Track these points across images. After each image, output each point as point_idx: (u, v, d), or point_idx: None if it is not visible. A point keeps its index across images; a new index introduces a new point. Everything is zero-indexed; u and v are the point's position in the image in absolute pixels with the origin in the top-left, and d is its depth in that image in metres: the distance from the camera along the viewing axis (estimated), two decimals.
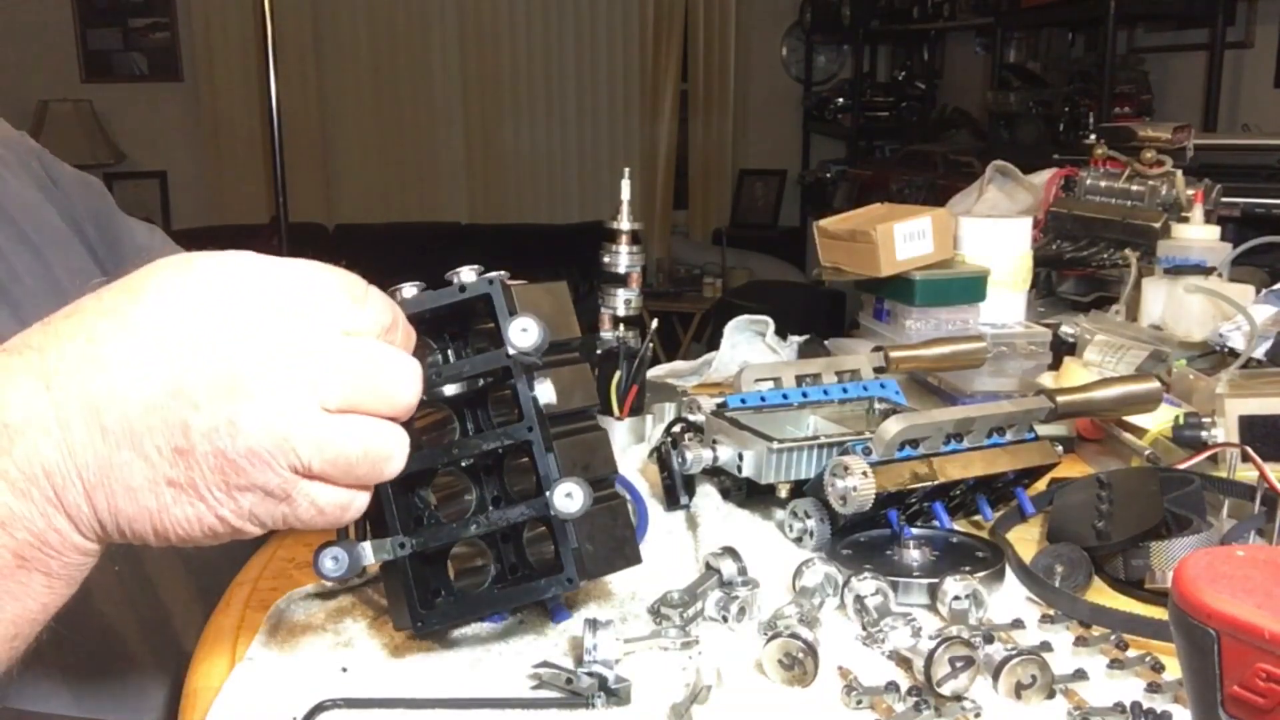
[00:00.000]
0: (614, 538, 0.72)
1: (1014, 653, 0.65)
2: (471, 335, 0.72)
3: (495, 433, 0.69)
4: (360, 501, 0.56)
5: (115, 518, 0.52)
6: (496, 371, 0.68)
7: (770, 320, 1.39)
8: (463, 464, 0.72)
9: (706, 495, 0.94)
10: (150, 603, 0.89)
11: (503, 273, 0.68)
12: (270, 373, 0.51)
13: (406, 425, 0.61)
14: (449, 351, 0.72)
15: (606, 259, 1.11)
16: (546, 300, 0.73)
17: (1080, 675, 0.66)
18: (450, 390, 0.71)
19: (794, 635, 0.66)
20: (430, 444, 0.70)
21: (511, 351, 0.65)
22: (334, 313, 0.54)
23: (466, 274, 0.67)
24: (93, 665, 0.81)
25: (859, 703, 0.64)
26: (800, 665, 0.66)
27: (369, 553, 0.65)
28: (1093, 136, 1.68)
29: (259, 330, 0.52)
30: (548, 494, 0.65)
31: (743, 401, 0.96)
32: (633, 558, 0.73)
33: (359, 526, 0.69)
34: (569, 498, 0.64)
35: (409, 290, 0.68)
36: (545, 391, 0.68)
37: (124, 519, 0.52)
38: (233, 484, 0.52)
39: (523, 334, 0.65)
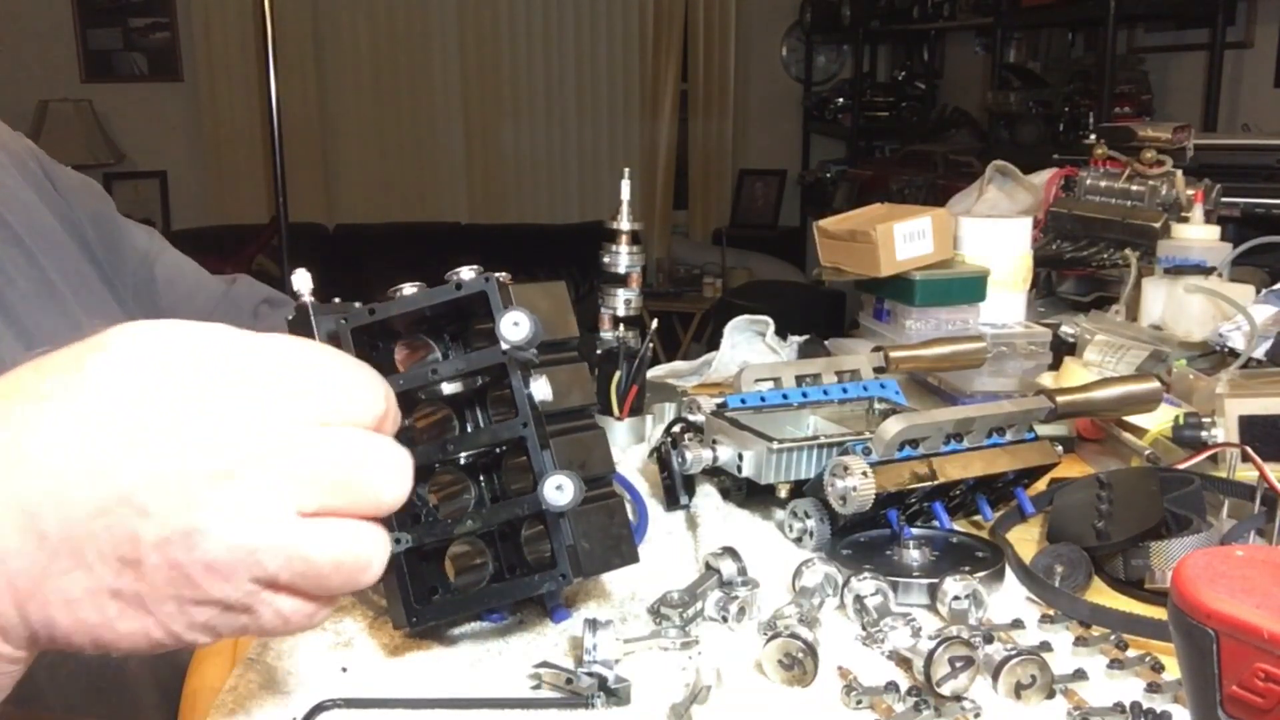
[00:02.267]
0: (611, 536, 0.72)
1: (1014, 653, 0.65)
2: (470, 335, 0.72)
3: (490, 428, 0.69)
4: (331, 607, 0.50)
5: (50, 629, 0.46)
6: (493, 369, 0.68)
7: (770, 320, 1.39)
8: (461, 462, 0.72)
9: (706, 495, 0.94)
10: None
11: (503, 274, 0.68)
12: (234, 473, 0.44)
13: (405, 424, 0.61)
14: (449, 352, 0.72)
15: (606, 259, 1.11)
16: (544, 299, 0.74)
17: (1080, 675, 0.66)
18: (449, 389, 0.71)
19: (794, 635, 0.66)
20: (429, 442, 0.70)
21: (505, 346, 0.65)
22: (314, 399, 0.47)
23: (465, 273, 0.67)
24: (91, 666, 0.81)
25: (859, 703, 0.64)
26: (800, 665, 0.66)
27: None
28: (1093, 136, 1.68)
29: (223, 420, 0.45)
30: (539, 484, 0.65)
31: (743, 401, 0.96)
32: (629, 557, 0.74)
33: None
34: (559, 490, 0.64)
35: (409, 290, 0.68)
36: (541, 388, 0.68)
37: (60, 631, 0.46)
38: (187, 598, 0.45)
39: (514, 328, 0.65)
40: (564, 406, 0.72)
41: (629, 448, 1.09)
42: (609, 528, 0.72)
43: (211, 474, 0.44)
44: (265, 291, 1.06)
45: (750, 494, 0.93)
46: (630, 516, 0.91)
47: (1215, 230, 1.42)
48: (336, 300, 0.73)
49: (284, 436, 0.46)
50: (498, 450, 0.72)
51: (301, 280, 0.70)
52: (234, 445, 0.45)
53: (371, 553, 0.48)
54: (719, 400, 0.96)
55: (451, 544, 0.71)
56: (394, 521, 0.68)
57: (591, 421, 0.77)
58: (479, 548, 0.72)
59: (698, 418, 0.95)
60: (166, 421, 0.45)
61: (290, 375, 0.47)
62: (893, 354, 1.06)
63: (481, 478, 0.73)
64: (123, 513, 0.44)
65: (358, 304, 0.70)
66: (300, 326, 0.69)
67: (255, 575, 0.45)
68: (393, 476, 0.49)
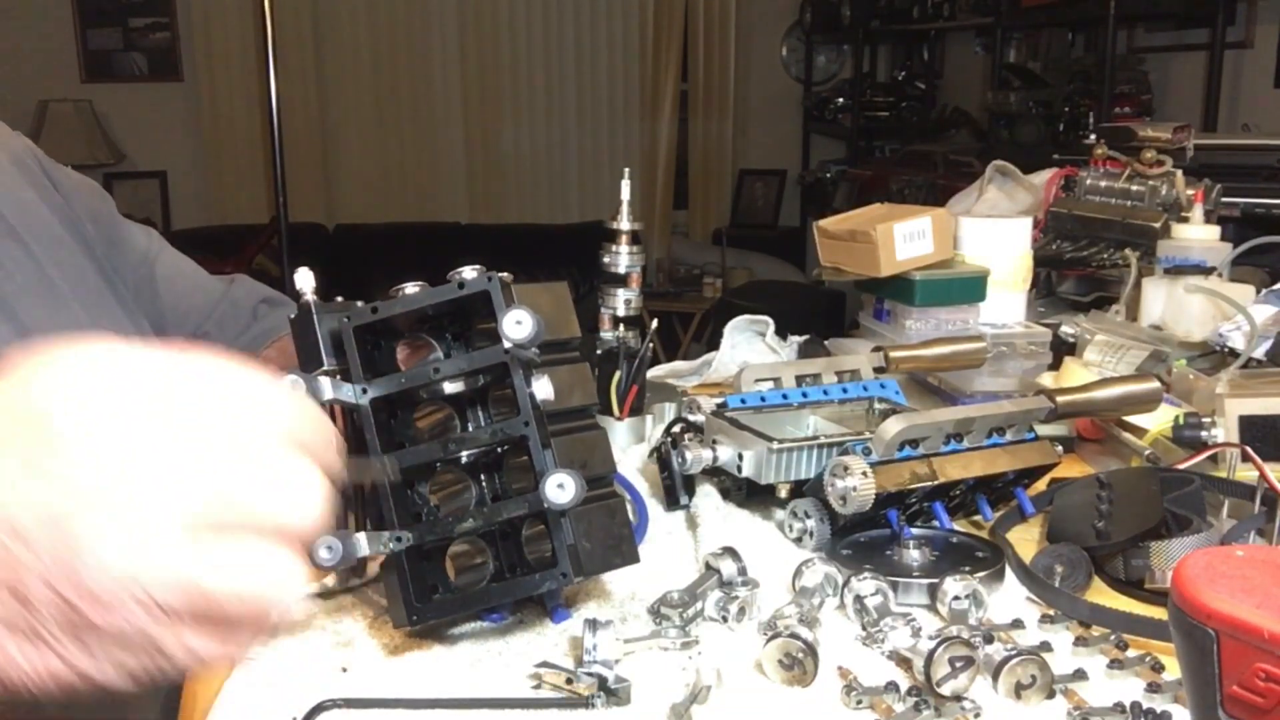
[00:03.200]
0: (611, 536, 0.72)
1: (1014, 653, 0.65)
2: (473, 335, 0.72)
3: (492, 427, 0.69)
4: (249, 643, 0.46)
5: None
6: (495, 368, 0.68)
7: (770, 320, 1.39)
8: (463, 462, 0.72)
9: (706, 495, 0.94)
10: None
11: (505, 274, 0.68)
12: (115, 492, 0.41)
13: (406, 423, 0.60)
14: (451, 352, 0.72)
15: (606, 259, 1.11)
16: (546, 299, 0.74)
17: (1080, 675, 0.66)
18: (450, 388, 0.71)
19: (794, 635, 0.66)
20: (430, 441, 0.70)
21: (507, 345, 0.65)
22: (213, 413, 0.43)
23: (468, 273, 0.67)
24: None
25: (859, 703, 0.64)
26: (800, 665, 0.66)
27: (364, 544, 0.65)
28: (1093, 136, 1.68)
29: (108, 439, 0.42)
30: (540, 482, 0.65)
31: (743, 401, 0.96)
32: (630, 556, 0.74)
33: (358, 519, 0.69)
34: (560, 489, 0.64)
35: (411, 289, 0.68)
36: (543, 387, 0.68)
37: None
38: (82, 632, 0.42)
39: (517, 326, 0.65)
40: (565, 406, 0.72)
41: (629, 448, 1.09)
42: (610, 527, 0.72)
43: (90, 497, 0.41)
44: (264, 291, 1.07)
45: (750, 494, 0.93)
46: (630, 517, 0.92)
47: (1215, 230, 1.42)
48: (339, 299, 0.73)
49: (174, 450, 0.42)
50: (499, 450, 0.72)
51: (304, 279, 0.70)
52: (115, 465, 0.42)
53: (276, 582, 0.44)
54: (719, 400, 0.96)
55: (452, 543, 0.71)
56: (395, 520, 0.68)
57: (593, 421, 0.77)
58: (479, 547, 0.72)
59: (698, 418, 0.95)
60: (49, 444, 0.42)
61: (187, 391, 0.44)
62: (893, 354, 1.06)
63: (482, 477, 0.73)
64: (7, 541, 0.41)
65: (360, 303, 0.70)
66: (303, 325, 0.69)
67: (144, 605, 0.42)
68: (296, 496, 0.44)
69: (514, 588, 0.70)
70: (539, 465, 0.67)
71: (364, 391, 0.69)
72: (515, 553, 0.72)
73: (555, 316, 0.74)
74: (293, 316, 0.70)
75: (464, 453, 0.71)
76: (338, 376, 0.68)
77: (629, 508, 0.91)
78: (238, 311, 1.02)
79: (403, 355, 0.74)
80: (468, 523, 0.69)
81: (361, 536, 0.65)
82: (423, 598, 0.69)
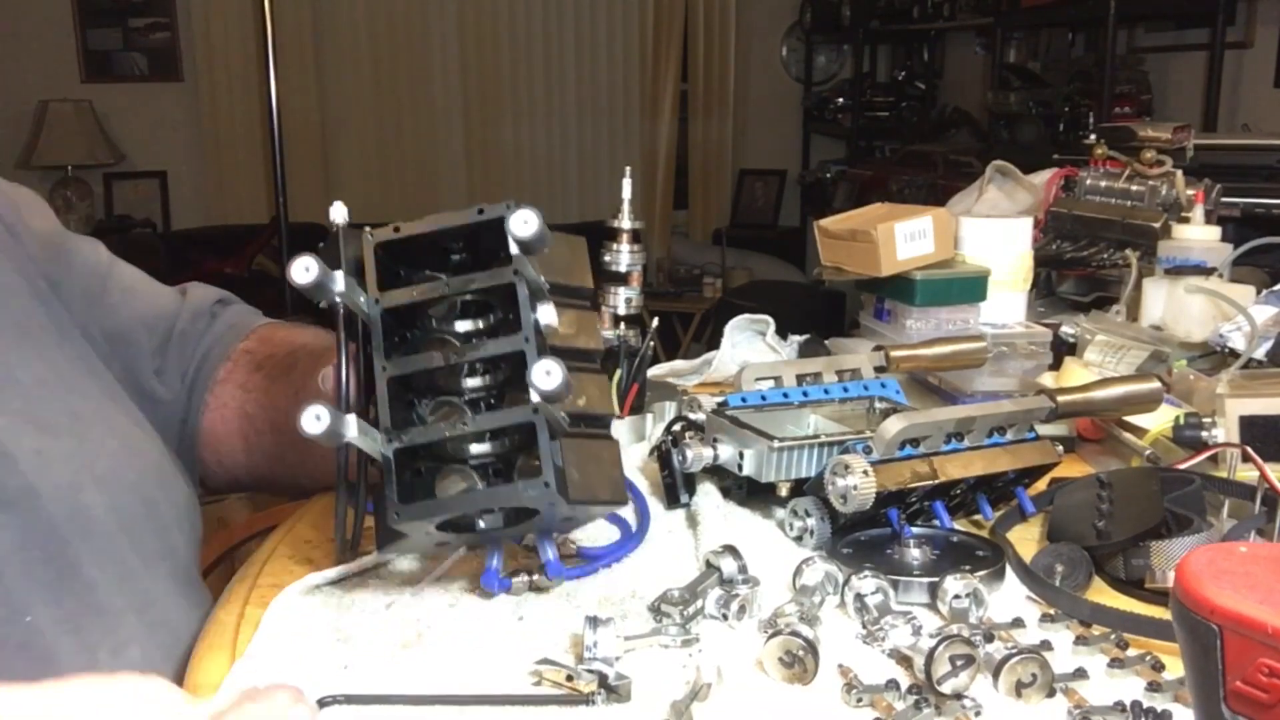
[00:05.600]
0: (602, 471, 0.72)
1: (1014, 651, 0.65)
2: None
3: (493, 341, 0.69)
4: None
5: None
6: (505, 299, 0.69)
7: (770, 320, 1.39)
8: (464, 394, 0.72)
9: (707, 494, 0.94)
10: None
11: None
12: None
13: (409, 335, 0.61)
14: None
15: (607, 258, 1.10)
16: (564, 248, 0.74)
17: (1080, 674, 0.66)
18: (460, 327, 0.71)
19: (794, 633, 0.66)
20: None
21: (514, 248, 0.66)
22: None
23: (490, 207, 0.68)
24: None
25: (859, 701, 0.64)
26: (800, 663, 0.66)
27: (353, 428, 0.65)
28: (1093, 136, 1.68)
29: None
30: (528, 375, 0.64)
31: (743, 400, 0.96)
32: (618, 496, 0.74)
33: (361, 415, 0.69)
34: (548, 375, 0.63)
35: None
36: (546, 313, 0.68)
37: None
38: None
39: (524, 225, 0.65)
40: (571, 346, 0.72)
41: (629, 446, 1.09)
42: (601, 464, 0.72)
43: None
44: (217, 293, 1.06)
45: (751, 492, 0.93)
46: (631, 515, 0.92)
47: (1215, 230, 1.42)
48: (366, 228, 0.73)
49: None
50: (499, 389, 0.72)
51: (338, 211, 0.74)
52: None
53: None
54: (719, 399, 0.96)
55: (440, 472, 0.71)
56: (390, 428, 0.68)
57: (596, 366, 0.76)
58: (468, 478, 0.71)
59: (698, 416, 0.95)
60: None
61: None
62: (893, 353, 1.06)
63: (482, 411, 0.73)
64: None
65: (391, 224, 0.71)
66: (330, 252, 0.70)
67: None
68: None
69: (497, 495, 0.69)
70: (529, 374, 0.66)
71: (376, 303, 0.69)
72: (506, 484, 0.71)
73: (571, 264, 0.75)
74: (322, 245, 0.72)
75: (467, 380, 0.71)
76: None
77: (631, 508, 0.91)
78: (197, 314, 1.01)
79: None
80: (459, 428, 0.68)
81: (353, 419, 0.65)
82: (408, 500, 0.69)
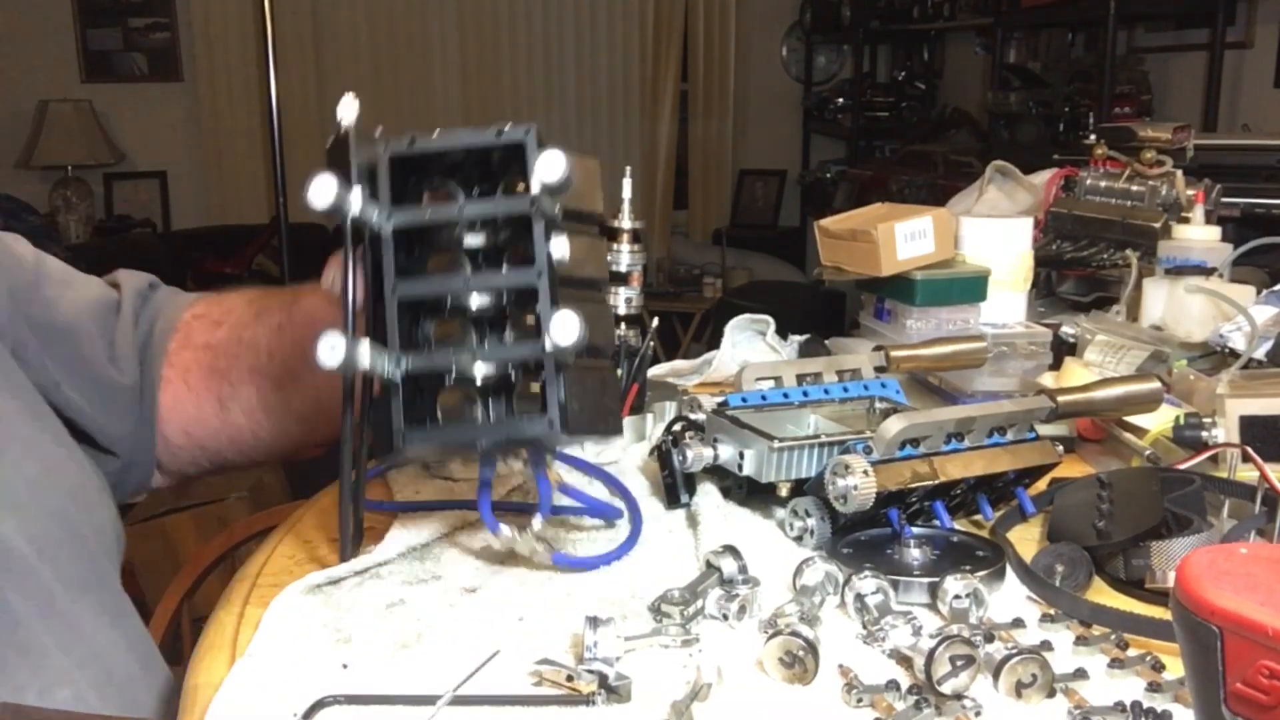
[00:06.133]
0: (600, 404, 0.72)
1: (1014, 652, 0.65)
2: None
3: (505, 275, 0.69)
4: None
5: None
6: (516, 227, 0.68)
7: (771, 319, 1.39)
8: (470, 315, 0.71)
9: (707, 494, 0.94)
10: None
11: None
12: None
13: (419, 257, 0.62)
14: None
15: (607, 257, 1.10)
16: (578, 172, 0.73)
17: (1081, 674, 0.66)
18: (470, 242, 0.70)
19: (794, 633, 0.66)
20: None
21: (536, 187, 0.65)
22: None
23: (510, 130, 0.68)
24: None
25: (859, 701, 0.64)
26: (801, 663, 0.66)
27: (366, 354, 0.65)
28: (1093, 136, 1.68)
29: None
30: (544, 324, 0.64)
31: (743, 400, 0.96)
32: (614, 428, 0.74)
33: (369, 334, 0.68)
34: (565, 328, 0.64)
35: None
36: (559, 246, 0.67)
37: None
38: None
39: (551, 170, 0.65)
40: (578, 275, 0.71)
41: (630, 446, 1.09)
42: (600, 397, 0.72)
43: None
44: (147, 276, 1.03)
45: (751, 492, 0.93)
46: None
47: (1216, 231, 1.42)
48: (378, 134, 0.72)
49: None
50: (505, 312, 0.72)
51: (347, 107, 0.71)
52: None
53: None
54: (720, 399, 0.95)
55: (442, 392, 0.70)
56: (399, 349, 0.68)
57: (601, 296, 0.76)
58: (470, 397, 0.71)
59: (698, 416, 0.95)
60: None
61: None
62: (894, 353, 1.06)
63: (487, 333, 0.73)
64: None
65: (410, 134, 0.70)
66: (338, 154, 0.69)
67: None
68: None
69: (500, 428, 0.69)
70: (544, 319, 0.66)
71: (389, 219, 0.69)
72: (504, 410, 0.71)
73: (583, 189, 0.74)
74: (328, 147, 0.70)
75: (473, 300, 0.71)
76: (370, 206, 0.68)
77: (624, 513, 0.91)
78: (138, 294, 0.98)
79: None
80: (465, 356, 0.68)
81: (365, 344, 0.65)
82: (411, 424, 0.69)
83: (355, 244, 0.71)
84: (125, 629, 0.82)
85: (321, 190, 0.65)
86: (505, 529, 0.75)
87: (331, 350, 0.63)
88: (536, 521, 0.75)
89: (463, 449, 0.71)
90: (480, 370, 0.69)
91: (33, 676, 0.72)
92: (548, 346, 0.65)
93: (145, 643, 0.84)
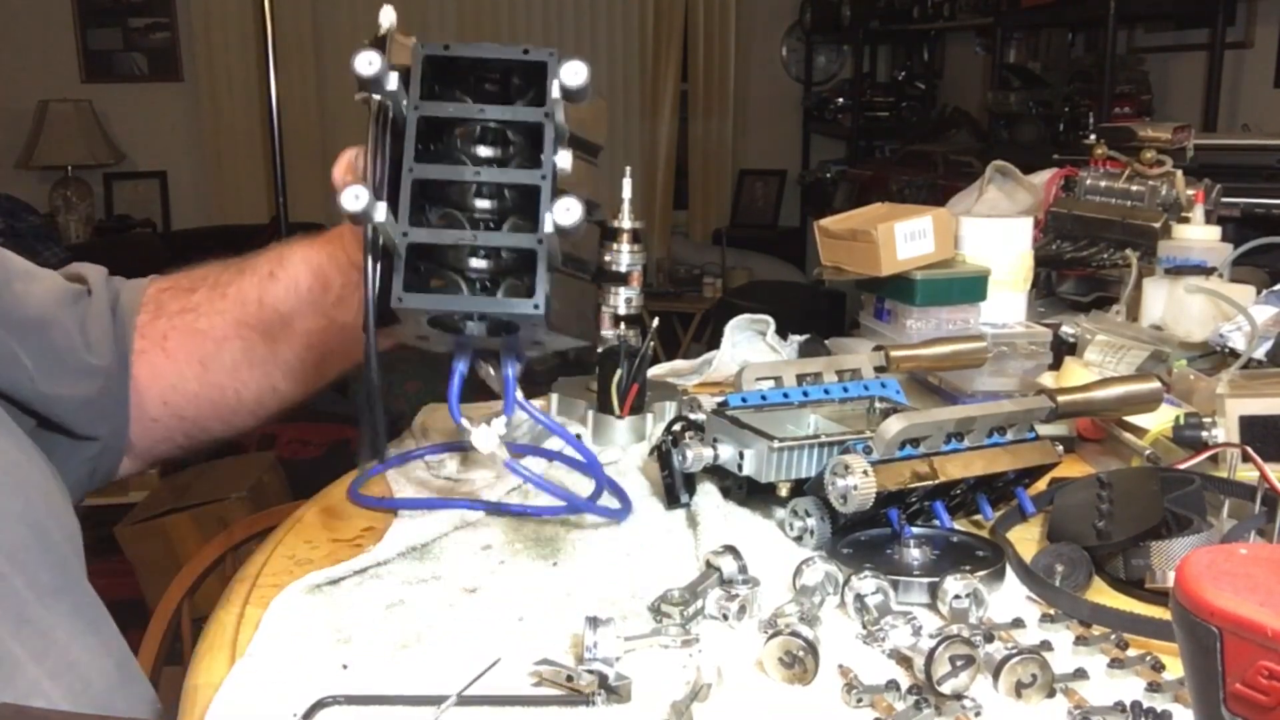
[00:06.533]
0: (579, 312, 0.79)
1: (1014, 652, 0.65)
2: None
3: (513, 171, 0.73)
4: None
5: None
6: (526, 140, 0.73)
7: (771, 319, 1.39)
8: (472, 205, 0.75)
9: (707, 494, 0.94)
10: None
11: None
12: None
13: (432, 147, 0.68)
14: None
15: (607, 257, 1.11)
16: (587, 106, 0.76)
17: (1080, 674, 0.66)
18: (482, 152, 0.75)
19: (794, 634, 0.66)
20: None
21: (555, 91, 0.71)
22: None
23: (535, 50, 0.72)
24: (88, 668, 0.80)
25: (859, 701, 0.64)
26: (801, 664, 0.66)
27: (382, 211, 0.69)
28: (1093, 136, 1.68)
29: None
30: (542, 218, 0.69)
31: (743, 400, 0.96)
32: (586, 337, 0.81)
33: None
34: (568, 211, 0.69)
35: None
36: (564, 158, 0.71)
37: None
38: None
39: (574, 75, 0.70)
40: (573, 193, 0.75)
41: (629, 446, 1.09)
42: (579, 304, 0.79)
43: None
44: (102, 269, 1.01)
45: (751, 492, 0.93)
46: (627, 512, 0.92)
47: (1216, 230, 1.42)
48: (414, 39, 0.77)
49: None
50: (501, 215, 0.75)
51: (387, 15, 0.79)
52: None
53: None
54: (720, 399, 0.95)
55: (433, 278, 0.74)
56: (406, 221, 0.71)
57: (590, 218, 0.79)
58: (459, 286, 0.74)
59: (698, 416, 0.95)
60: None
61: None
62: (893, 353, 1.06)
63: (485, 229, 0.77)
64: None
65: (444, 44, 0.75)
66: (378, 48, 0.73)
67: None
68: None
69: (491, 302, 0.73)
70: (543, 211, 0.71)
71: (415, 109, 0.73)
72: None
73: (590, 120, 0.79)
74: (369, 42, 0.75)
75: (477, 202, 0.74)
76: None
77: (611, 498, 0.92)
78: (101, 281, 0.97)
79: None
80: (467, 237, 0.72)
81: (383, 204, 0.69)
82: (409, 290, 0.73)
83: (382, 125, 0.77)
84: (102, 634, 0.81)
85: (366, 62, 0.71)
86: (466, 421, 0.78)
87: (355, 199, 0.68)
88: (499, 422, 0.78)
89: (448, 327, 0.75)
90: (473, 262, 0.74)
91: (4, 687, 0.70)
92: (548, 226, 0.70)
93: (121, 648, 0.83)
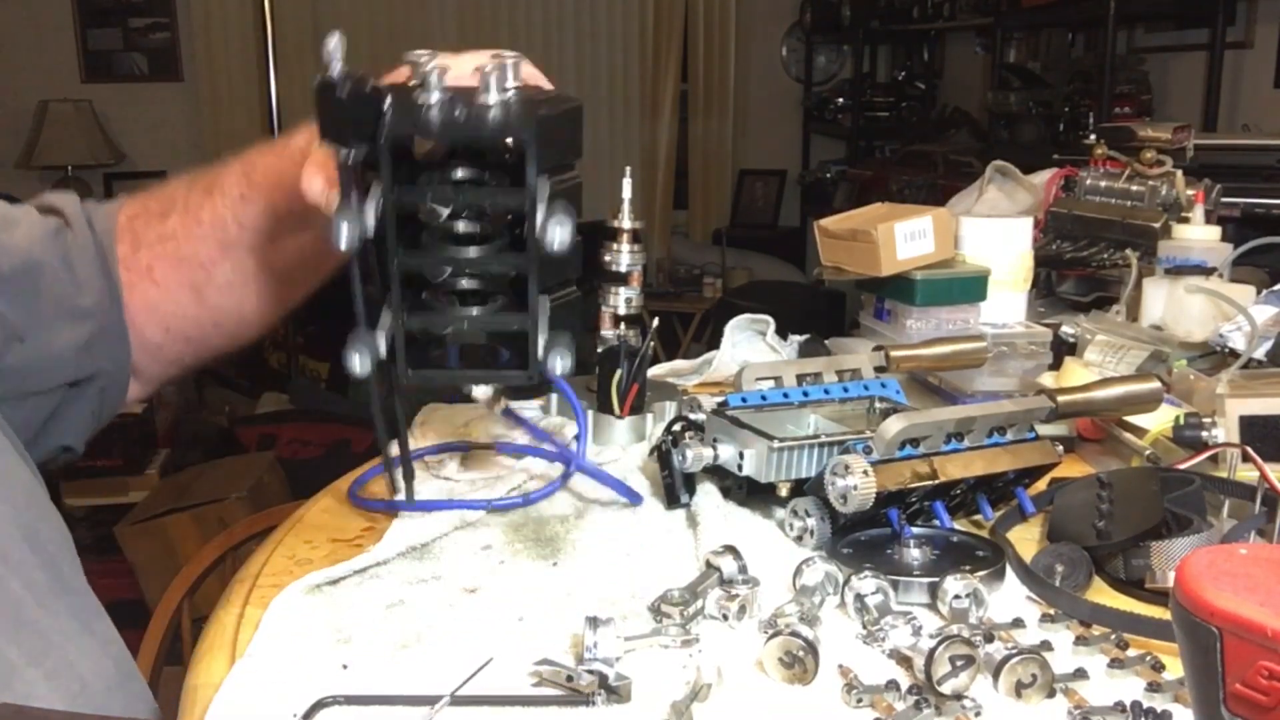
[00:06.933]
0: (570, 323, 0.78)
1: (1014, 652, 0.65)
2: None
3: (498, 259, 0.73)
4: None
5: None
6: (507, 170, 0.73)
7: (771, 319, 1.39)
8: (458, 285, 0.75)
9: (707, 494, 0.94)
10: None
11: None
12: None
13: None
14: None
15: (607, 257, 1.11)
16: (564, 119, 0.75)
17: (1080, 674, 0.66)
18: (462, 227, 0.74)
19: (794, 634, 0.66)
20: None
21: (532, 178, 0.70)
22: None
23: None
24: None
25: (859, 701, 0.64)
26: (801, 664, 0.66)
27: (382, 348, 0.72)
28: (1093, 136, 1.68)
29: None
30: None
31: (743, 400, 0.96)
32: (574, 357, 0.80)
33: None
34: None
35: None
36: (555, 233, 0.71)
37: None
38: None
39: (557, 236, 0.70)
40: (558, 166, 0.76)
41: (629, 446, 1.09)
42: (568, 320, 0.78)
43: None
44: (74, 196, 0.97)
45: (751, 492, 0.93)
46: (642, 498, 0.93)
47: (1216, 230, 1.42)
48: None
49: None
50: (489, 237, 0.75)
51: (334, 44, 0.79)
52: None
53: None
54: (720, 399, 0.96)
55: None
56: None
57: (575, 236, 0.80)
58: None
59: (698, 416, 0.95)
60: None
61: None
62: (893, 353, 1.06)
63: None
64: None
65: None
66: (331, 100, 0.74)
67: None
68: None
69: (488, 376, 0.75)
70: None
71: (388, 198, 0.72)
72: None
73: (567, 142, 0.77)
74: (317, 84, 0.74)
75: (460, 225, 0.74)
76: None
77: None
78: (78, 216, 0.94)
79: None
80: (461, 320, 0.73)
81: (381, 344, 0.71)
82: (417, 363, 0.75)
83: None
84: (100, 635, 0.80)
85: (341, 236, 0.69)
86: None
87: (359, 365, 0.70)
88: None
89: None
90: (466, 282, 0.75)
91: (1, 690, 0.69)
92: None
93: (119, 648, 0.82)
